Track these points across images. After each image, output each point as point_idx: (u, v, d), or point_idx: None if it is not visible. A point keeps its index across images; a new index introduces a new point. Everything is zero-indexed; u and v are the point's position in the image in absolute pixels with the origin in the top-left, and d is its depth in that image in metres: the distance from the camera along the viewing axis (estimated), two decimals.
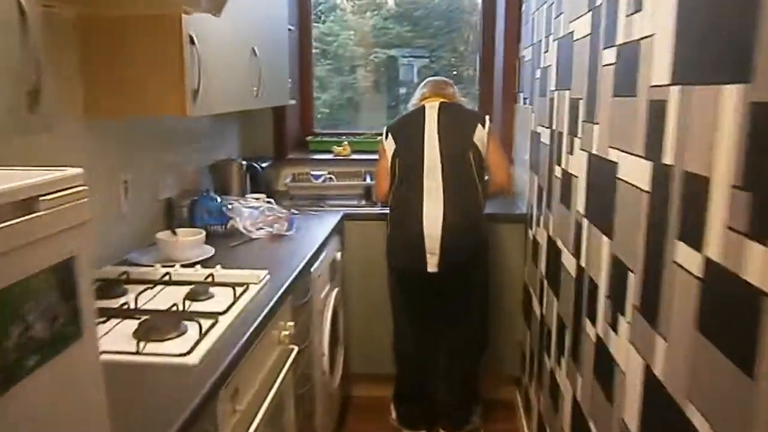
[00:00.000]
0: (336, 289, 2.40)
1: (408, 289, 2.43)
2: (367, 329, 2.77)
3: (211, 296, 1.57)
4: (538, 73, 2.29)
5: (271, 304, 1.55)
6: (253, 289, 1.61)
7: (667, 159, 1.00)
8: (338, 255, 2.49)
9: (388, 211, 2.38)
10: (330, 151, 3.24)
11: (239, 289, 1.57)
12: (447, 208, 2.20)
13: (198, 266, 1.81)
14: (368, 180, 3.07)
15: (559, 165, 1.86)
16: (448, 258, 2.21)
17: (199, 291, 1.58)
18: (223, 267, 1.77)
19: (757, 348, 0.72)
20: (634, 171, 1.16)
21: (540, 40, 2.30)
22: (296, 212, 2.52)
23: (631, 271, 1.16)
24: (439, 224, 2.19)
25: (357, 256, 2.73)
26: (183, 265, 1.81)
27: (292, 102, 2.87)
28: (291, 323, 1.72)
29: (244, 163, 2.64)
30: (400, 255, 2.33)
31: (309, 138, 3.39)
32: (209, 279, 1.68)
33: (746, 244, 0.75)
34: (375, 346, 2.74)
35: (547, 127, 2.08)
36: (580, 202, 1.60)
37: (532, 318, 2.38)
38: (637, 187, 1.14)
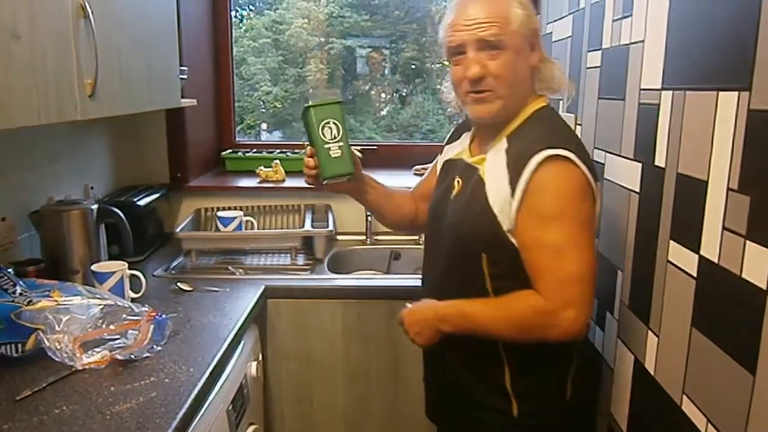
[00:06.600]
0: (251, 429, 1.44)
1: None
2: None
3: None
4: (593, 60, 1.40)
5: None
6: None
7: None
8: (253, 368, 1.49)
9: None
10: (257, 174, 2.22)
11: None
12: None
13: None
14: (308, 224, 1.96)
15: (695, 251, 0.92)
16: None
17: None
18: None
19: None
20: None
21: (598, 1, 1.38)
22: (187, 289, 1.58)
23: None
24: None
25: (291, 363, 1.64)
26: None
27: (189, 102, 1.93)
28: None
29: (93, 207, 1.57)
30: None
31: (224, 153, 2.36)
32: None
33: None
34: None
35: (629, 159, 1.17)
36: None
37: None
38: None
